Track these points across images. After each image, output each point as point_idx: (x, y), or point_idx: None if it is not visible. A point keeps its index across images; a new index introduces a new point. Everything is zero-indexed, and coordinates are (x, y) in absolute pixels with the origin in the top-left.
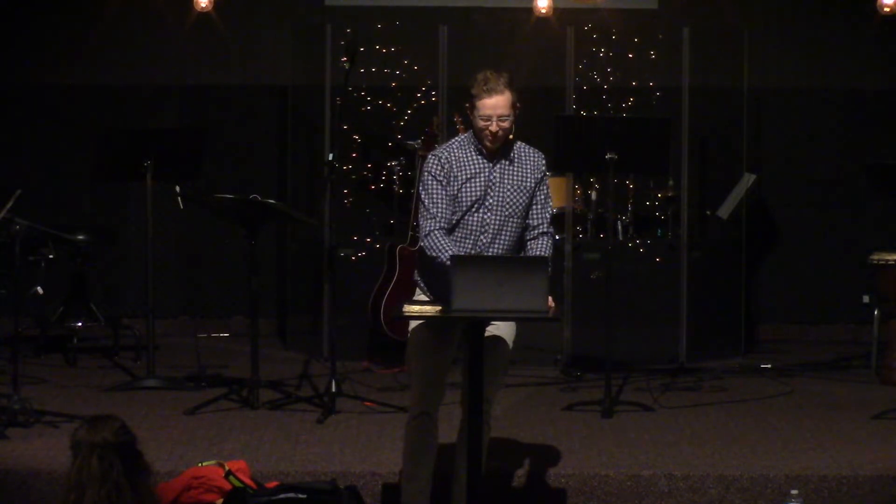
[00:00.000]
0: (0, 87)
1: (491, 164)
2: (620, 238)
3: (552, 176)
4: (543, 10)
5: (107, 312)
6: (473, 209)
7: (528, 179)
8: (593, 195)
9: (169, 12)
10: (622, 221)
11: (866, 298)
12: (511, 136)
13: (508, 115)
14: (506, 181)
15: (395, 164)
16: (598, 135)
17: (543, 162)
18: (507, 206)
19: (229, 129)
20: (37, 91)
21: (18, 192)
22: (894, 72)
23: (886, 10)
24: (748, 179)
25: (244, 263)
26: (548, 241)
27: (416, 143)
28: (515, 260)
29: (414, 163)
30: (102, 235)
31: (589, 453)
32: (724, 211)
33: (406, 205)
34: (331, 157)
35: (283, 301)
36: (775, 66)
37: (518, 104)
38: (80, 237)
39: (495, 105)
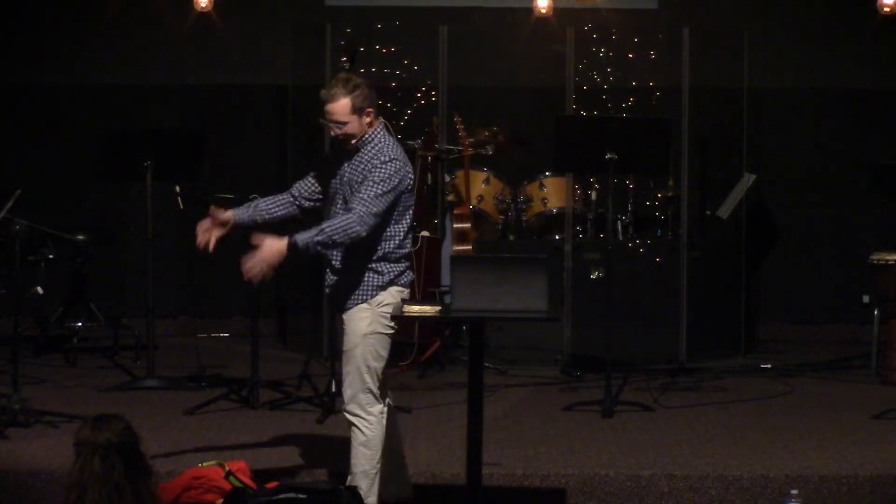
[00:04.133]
0: (0, 87)
1: (347, 162)
2: (620, 238)
3: (552, 176)
4: (543, 10)
5: (107, 312)
6: (330, 204)
7: (359, 175)
8: (593, 195)
9: (169, 12)
10: (622, 221)
11: (866, 298)
12: (367, 137)
13: (345, 122)
14: (345, 177)
15: None
16: (598, 135)
17: (379, 159)
18: (347, 203)
19: (229, 129)
20: (37, 91)
21: (18, 192)
22: (894, 72)
23: (886, 10)
24: (748, 179)
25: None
26: (344, 218)
27: (415, 143)
28: (515, 260)
29: (414, 163)
30: (102, 235)
31: (589, 453)
32: (724, 211)
33: None
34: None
35: (283, 301)
36: (775, 66)
37: (369, 108)
38: (80, 237)
39: (331, 111)
